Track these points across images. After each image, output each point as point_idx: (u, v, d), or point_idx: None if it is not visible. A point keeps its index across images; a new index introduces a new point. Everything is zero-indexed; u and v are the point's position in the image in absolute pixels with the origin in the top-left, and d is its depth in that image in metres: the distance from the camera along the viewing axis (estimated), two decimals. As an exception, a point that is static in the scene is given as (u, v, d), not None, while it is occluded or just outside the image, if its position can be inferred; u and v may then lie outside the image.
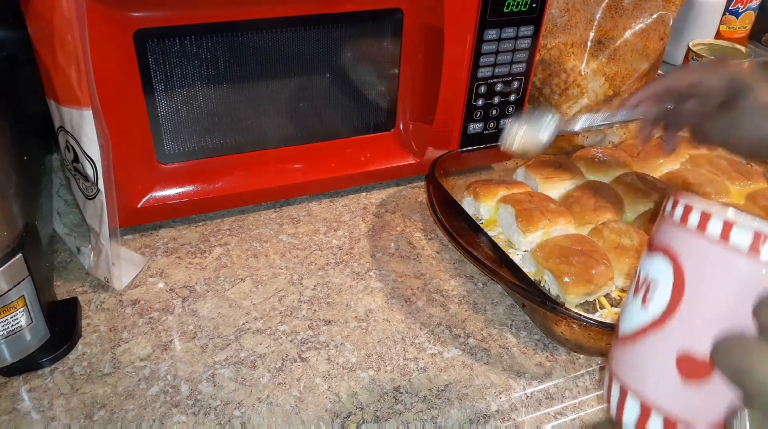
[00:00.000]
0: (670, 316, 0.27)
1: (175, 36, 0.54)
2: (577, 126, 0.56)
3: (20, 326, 0.46)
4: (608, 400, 0.31)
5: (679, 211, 0.28)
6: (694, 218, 0.27)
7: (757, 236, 0.24)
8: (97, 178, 0.49)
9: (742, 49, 0.87)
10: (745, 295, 0.25)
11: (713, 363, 0.25)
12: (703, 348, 0.26)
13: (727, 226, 0.25)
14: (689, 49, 0.87)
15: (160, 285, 0.57)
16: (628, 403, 0.29)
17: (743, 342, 0.24)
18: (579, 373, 0.50)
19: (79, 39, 0.45)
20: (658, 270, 0.28)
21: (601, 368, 0.50)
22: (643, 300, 0.29)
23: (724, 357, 0.25)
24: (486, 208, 0.63)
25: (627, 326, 0.30)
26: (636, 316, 0.29)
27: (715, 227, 0.26)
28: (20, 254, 0.44)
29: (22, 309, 0.46)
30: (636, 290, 0.30)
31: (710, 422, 0.27)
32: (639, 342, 0.29)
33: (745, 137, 0.47)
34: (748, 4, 1.11)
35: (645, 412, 0.29)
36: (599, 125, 0.56)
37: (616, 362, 0.30)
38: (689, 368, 0.27)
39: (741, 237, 0.25)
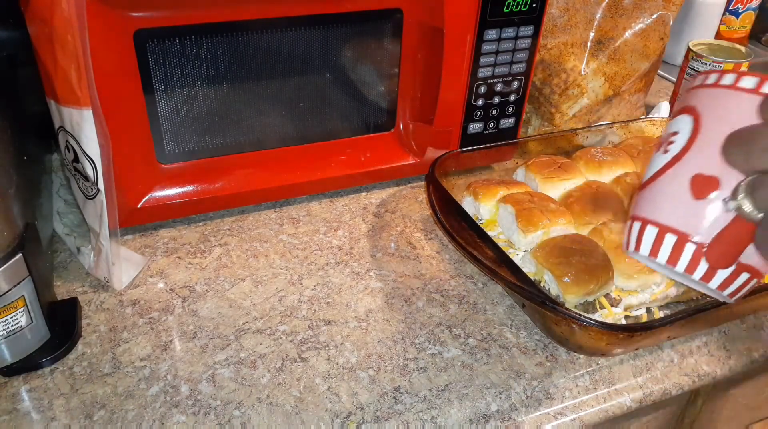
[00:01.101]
0: (687, 150, 0.32)
1: (175, 36, 0.54)
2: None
3: (20, 326, 0.46)
4: (627, 243, 0.35)
5: (700, 78, 0.34)
6: (712, 78, 0.33)
7: (762, 80, 0.30)
8: (97, 178, 0.49)
9: (742, 49, 0.87)
10: (749, 121, 0.30)
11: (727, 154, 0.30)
12: (714, 165, 0.31)
13: (738, 77, 0.31)
14: (689, 49, 0.87)
15: (160, 285, 0.57)
16: (646, 233, 0.33)
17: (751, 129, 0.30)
18: (579, 373, 0.50)
19: (79, 39, 0.45)
20: (680, 124, 0.33)
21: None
22: (665, 150, 0.34)
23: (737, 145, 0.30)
24: (486, 208, 0.63)
25: (648, 174, 0.34)
26: (657, 163, 0.34)
27: (727, 79, 0.32)
28: (20, 254, 0.44)
29: (22, 309, 0.46)
30: (658, 148, 0.34)
31: (711, 236, 0.31)
32: (658, 180, 0.33)
33: None
34: (748, 4, 1.11)
35: (660, 235, 0.33)
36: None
37: (637, 206, 0.35)
38: (701, 186, 0.31)
39: (748, 82, 0.31)
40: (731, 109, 0.31)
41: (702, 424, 0.69)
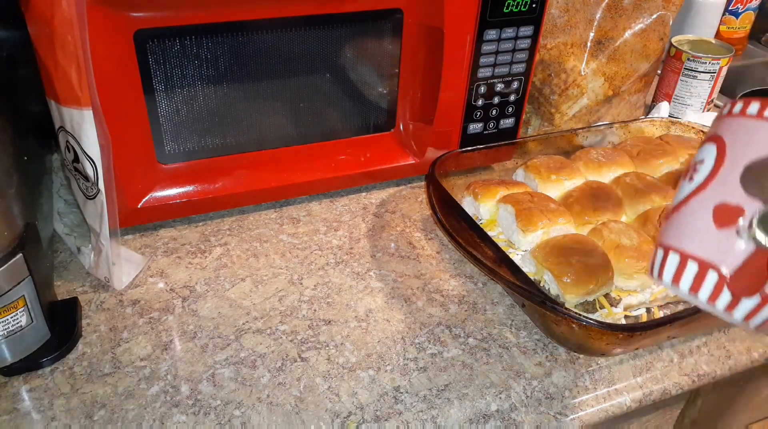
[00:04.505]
0: (711, 179, 0.32)
1: (175, 36, 0.54)
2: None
3: (20, 326, 0.46)
4: (651, 271, 0.35)
5: (727, 107, 0.34)
6: (737, 107, 0.33)
7: None
8: (97, 178, 0.49)
9: (726, 46, 0.87)
10: None
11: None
12: (738, 194, 0.31)
13: (763, 105, 0.31)
14: (671, 44, 0.87)
15: (161, 285, 0.57)
16: (669, 260, 0.34)
17: None
18: (579, 373, 0.50)
19: (80, 39, 0.45)
20: (705, 152, 0.34)
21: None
22: (690, 178, 0.34)
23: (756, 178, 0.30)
24: (486, 208, 0.63)
25: (674, 202, 0.35)
26: (683, 191, 0.34)
27: (753, 108, 0.32)
28: (20, 254, 0.44)
29: (22, 309, 0.46)
30: (685, 175, 0.35)
31: (735, 266, 0.31)
32: (683, 208, 0.34)
33: None
34: (747, 4, 1.11)
35: (683, 263, 0.33)
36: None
37: (662, 234, 0.35)
38: (724, 215, 0.31)
39: None
40: (755, 138, 0.31)
41: (702, 424, 0.69)
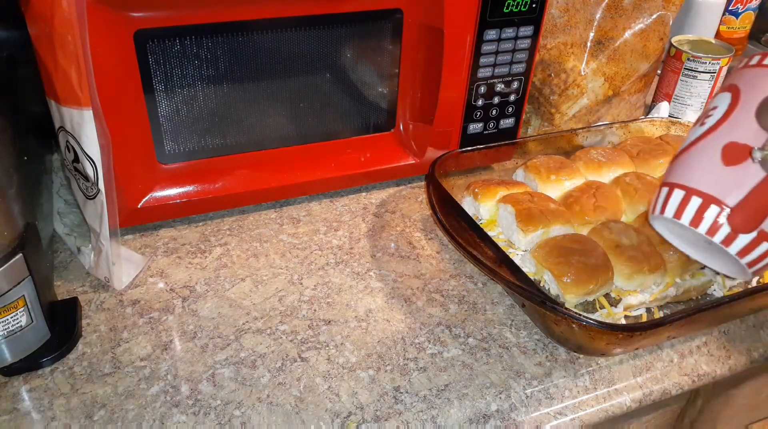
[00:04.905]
0: (723, 122, 0.33)
1: (176, 36, 0.54)
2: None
3: (20, 326, 0.46)
4: (654, 208, 0.36)
5: (744, 60, 0.35)
6: (755, 59, 0.34)
7: None
8: (97, 178, 0.49)
9: (726, 46, 0.87)
10: None
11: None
12: (748, 134, 0.32)
13: None
14: (671, 44, 0.87)
15: (161, 285, 0.57)
16: (673, 196, 0.34)
17: None
18: (579, 372, 0.50)
19: (80, 39, 0.45)
20: (719, 100, 0.35)
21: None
22: (702, 123, 0.35)
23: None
24: (486, 208, 0.63)
25: (683, 145, 0.35)
26: (692, 135, 0.35)
27: None
28: (20, 254, 0.44)
29: (22, 309, 0.46)
30: (696, 121, 0.36)
31: (737, 200, 0.32)
32: (692, 148, 0.34)
33: None
34: (747, 5, 1.11)
35: (686, 198, 0.34)
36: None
37: (669, 173, 0.36)
38: (732, 153, 0.32)
39: None
40: None
41: (702, 424, 0.69)
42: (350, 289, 0.57)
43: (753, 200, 0.31)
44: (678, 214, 0.34)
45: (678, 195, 0.34)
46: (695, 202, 0.33)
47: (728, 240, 0.33)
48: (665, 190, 0.35)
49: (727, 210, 0.32)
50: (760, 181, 0.31)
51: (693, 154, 0.34)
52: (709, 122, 0.34)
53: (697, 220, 0.33)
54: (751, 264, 0.33)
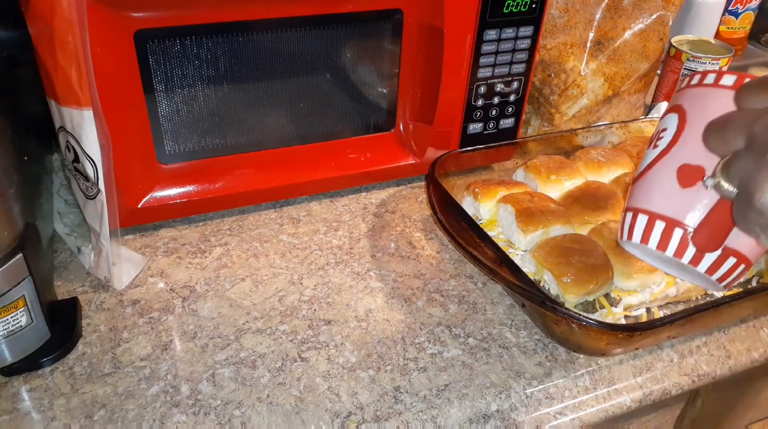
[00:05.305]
0: (674, 144, 0.35)
1: (176, 36, 0.54)
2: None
3: (20, 326, 0.46)
4: (621, 233, 0.37)
5: (686, 80, 0.36)
6: (695, 79, 0.35)
7: (740, 77, 0.33)
8: (97, 178, 0.49)
9: (726, 46, 0.87)
10: (727, 111, 0.32)
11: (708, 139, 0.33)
12: (698, 155, 0.33)
13: (719, 75, 0.34)
14: (671, 44, 0.87)
15: (161, 285, 0.57)
16: (638, 222, 0.36)
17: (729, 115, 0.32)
18: (579, 373, 0.50)
19: (80, 39, 0.45)
20: (667, 121, 0.36)
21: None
22: (654, 145, 0.36)
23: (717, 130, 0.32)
24: (486, 208, 0.63)
25: (640, 168, 0.37)
26: (647, 158, 0.36)
27: (710, 78, 0.34)
28: (21, 254, 0.44)
29: (22, 309, 0.46)
30: (649, 144, 0.37)
31: (698, 221, 0.33)
32: (648, 172, 0.36)
33: None
34: (747, 5, 1.11)
35: (650, 222, 0.35)
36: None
37: (630, 199, 0.37)
38: (687, 175, 0.33)
39: (728, 80, 0.33)
40: (712, 104, 0.34)
41: (702, 424, 0.69)
42: (350, 289, 0.57)
43: (713, 220, 0.33)
44: (645, 239, 0.35)
45: (642, 220, 0.35)
46: (659, 226, 0.35)
47: (696, 260, 0.34)
48: (629, 215, 0.37)
49: (691, 231, 0.33)
50: (716, 202, 0.33)
51: (650, 178, 0.36)
52: (661, 145, 0.36)
53: (663, 243, 0.34)
54: (720, 279, 0.35)
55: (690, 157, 0.34)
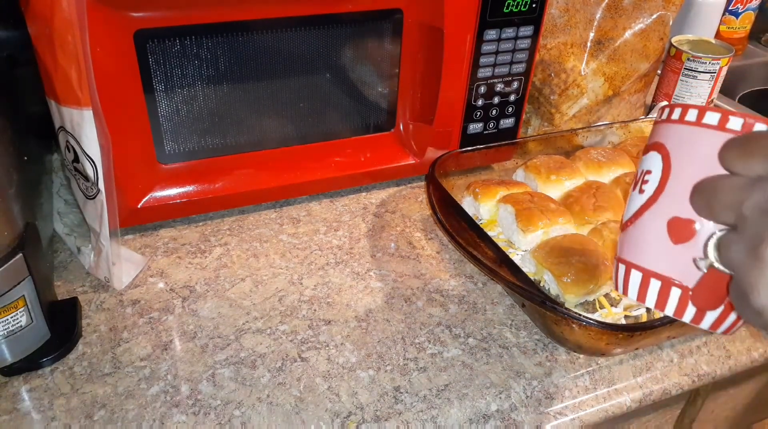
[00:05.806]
0: (661, 192, 0.32)
1: (176, 36, 0.54)
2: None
3: (20, 326, 0.46)
4: (616, 285, 0.36)
5: (665, 112, 0.34)
6: (676, 113, 0.33)
7: (723, 116, 0.30)
8: (97, 178, 0.49)
9: (726, 46, 0.87)
10: (716, 160, 0.30)
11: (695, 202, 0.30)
12: (688, 210, 0.31)
13: (701, 112, 0.31)
14: (671, 44, 0.87)
15: (161, 285, 0.57)
16: (632, 278, 0.34)
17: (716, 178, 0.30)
18: (579, 372, 0.50)
19: (80, 39, 0.45)
20: (651, 162, 0.33)
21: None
22: (641, 190, 0.34)
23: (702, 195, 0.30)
24: (486, 208, 0.63)
25: (627, 214, 0.35)
26: (634, 203, 0.34)
27: (691, 115, 0.32)
28: (20, 254, 0.44)
29: (22, 309, 0.46)
30: (635, 186, 0.35)
31: (695, 281, 0.31)
32: (637, 222, 0.34)
33: None
34: (747, 5, 1.11)
35: (645, 280, 0.33)
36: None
37: (621, 248, 0.35)
38: (678, 230, 0.31)
39: (711, 118, 0.31)
40: (697, 148, 0.31)
41: (702, 424, 0.69)
42: (350, 289, 0.57)
43: (711, 279, 0.31)
44: (641, 297, 0.34)
45: (636, 276, 0.34)
46: (655, 284, 0.33)
47: (697, 319, 0.32)
48: (622, 268, 0.35)
49: (689, 291, 0.32)
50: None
51: (640, 229, 0.34)
52: (648, 190, 0.33)
53: (661, 303, 0.33)
54: (725, 331, 0.33)
55: (679, 210, 0.31)
